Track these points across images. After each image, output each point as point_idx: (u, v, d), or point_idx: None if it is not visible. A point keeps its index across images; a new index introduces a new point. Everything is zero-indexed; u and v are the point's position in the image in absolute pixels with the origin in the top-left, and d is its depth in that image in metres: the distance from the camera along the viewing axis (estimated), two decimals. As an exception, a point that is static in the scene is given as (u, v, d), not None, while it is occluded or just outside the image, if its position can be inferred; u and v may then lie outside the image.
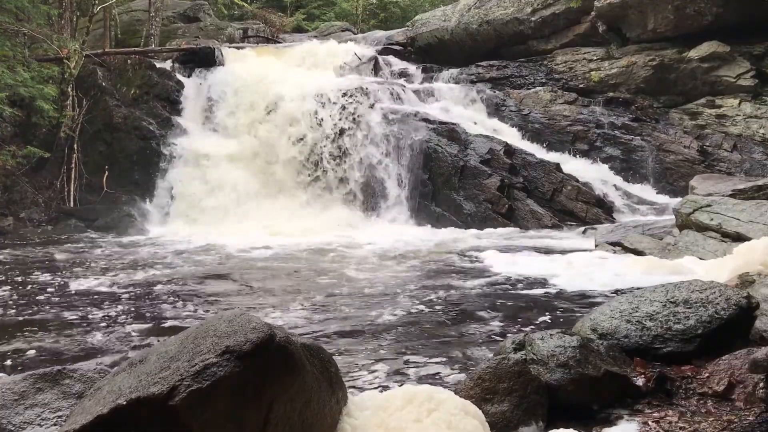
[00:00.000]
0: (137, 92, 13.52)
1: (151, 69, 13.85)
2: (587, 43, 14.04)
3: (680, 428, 2.68)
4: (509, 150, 11.67)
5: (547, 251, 7.73)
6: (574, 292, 5.86)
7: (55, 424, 2.27)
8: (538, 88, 13.66)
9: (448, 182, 11.44)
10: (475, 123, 12.72)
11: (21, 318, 5.31)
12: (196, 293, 6.29)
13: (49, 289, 6.49)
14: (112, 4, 16.44)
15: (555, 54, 14.28)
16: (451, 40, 15.92)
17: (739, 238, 6.35)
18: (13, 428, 2.23)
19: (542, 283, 6.29)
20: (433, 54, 16.25)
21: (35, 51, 14.04)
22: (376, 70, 15.31)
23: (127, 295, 6.21)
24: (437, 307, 5.44)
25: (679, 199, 8.40)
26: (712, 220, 6.86)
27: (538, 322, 4.82)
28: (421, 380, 3.57)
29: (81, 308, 5.64)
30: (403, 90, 13.40)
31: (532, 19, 14.46)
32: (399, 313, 5.26)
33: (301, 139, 12.59)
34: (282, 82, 13.48)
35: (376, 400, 2.57)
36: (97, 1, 14.43)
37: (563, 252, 7.61)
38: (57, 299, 6.04)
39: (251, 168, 12.73)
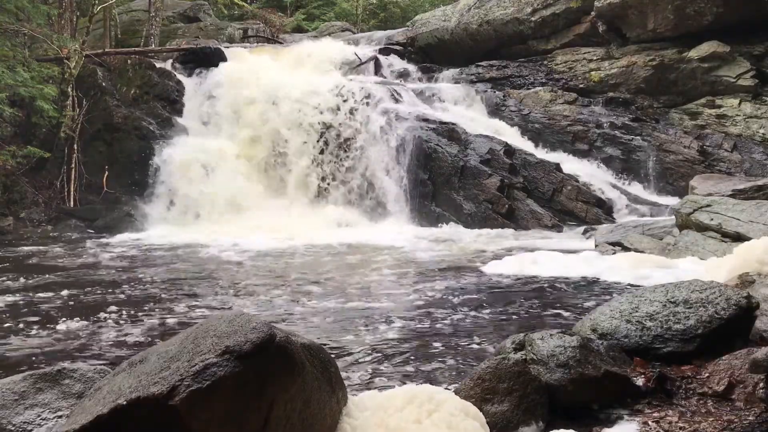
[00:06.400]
0: (137, 92, 13.51)
1: (151, 69, 13.84)
2: (587, 43, 14.04)
3: (680, 428, 2.68)
4: (509, 150, 11.67)
5: (547, 251, 7.72)
6: (571, 291, 5.86)
7: (55, 424, 2.27)
8: (538, 88, 13.66)
9: (448, 182, 11.44)
10: (476, 123, 12.71)
11: (20, 317, 5.30)
12: (196, 293, 6.29)
13: (48, 288, 6.48)
14: (112, 4, 16.43)
15: (555, 54, 14.28)
16: (451, 40, 15.92)
17: (739, 238, 6.35)
18: (13, 428, 2.23)
19: (541, 282, 6.29)
20: (433, 54, 16.25)
21: (35, 51, 14.03)
22: (377, 70, 15.31)
23: (126, 295, 6.21)
24: (437, 306, 5.44)
25: (679, 199, 8.40)
26: (712, 220, 6.86)
27: (537, 321, 4.82)
28: (421, 380, 3.57)
29: (81, 307, 5.64)
30: (404, 90, 13.40)
31: (532, 19, 14.47)
32: (399, 312, 5.26)
33: (301, 139, 12.59)
34: (282, 82, 13.47)
35: (377, 400, 2.57)
36: (97, 1, 14.43)
37: (563, 252, 7.61)
38: (57, 298, 6.04)
39: (251, 168, 12.72)
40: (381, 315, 5.21)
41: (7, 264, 8.19)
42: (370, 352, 4.21)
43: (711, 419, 2.73)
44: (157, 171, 12.51)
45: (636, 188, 11.85)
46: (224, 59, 14.37)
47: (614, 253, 7.46)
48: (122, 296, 6.18)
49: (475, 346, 4.27)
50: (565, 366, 2.93)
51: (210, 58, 14.45)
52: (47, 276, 7.26)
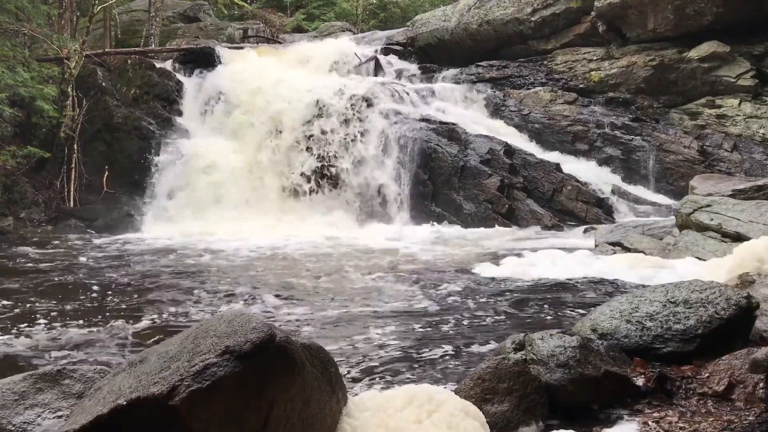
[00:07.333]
0: (137, 92, 13.52)
1: (151, 69, 13.85)
2: (587, 43, 14.04)
3: (680, 428, 2.68)
4: (509, 150, 11.67)
5: (546, 251, 7.72)
6: (571, 291, 5.86)
7: (55, 425, 2.27)
8: (538, 88, 13.66)
9: (448, 182, 11.44)
10: (476, 123, 12.72)
11: (19, 318, 5.30)
12: (195, 293, 6.28)
13: (47, 289, 6.48)
14: (112, 4, 16.43)
15: (555, 54, 14.28)
16: (451, 40, 15.91)
17: (739, 238, 6.35)
18: (13, 428, 2.23)
19: (540, 282, 6.29)
20: (433, 54, 16.24)
21: (35, 51, 14.04)
22: (377, 70, 15.30)
23: (125, 295, 6.21)
24: (436, 307, 5.44)
25: (679, 199, 8.40)
26: (712, 220, 6.86)
27: (537, 321, 4.82)
28: (421, 380, 3.57)
29: (80, 307, 5.64)
30: (404, 90, 13.40)
31: (532, 19, 14.46)
32: (398, 313, 5.26)
33: (301, 138, 12.59)
34: (281, 83, 13.47)
35: (376, 400, 2.57)
36: (97, 1, 14.42)
37: (563, 252, 7.60)
38: (55, 299, 6.04)
39: (251, 168, 12.72)
40: (380, 316, 5.21)
41: (6, 264, 8.19)
42: (369, 352, 4.21)
43: (711, 419, 2.73)
44: (157, 171, 12.52)
45: (636, 188, 11.84)
46: (219, 62, 14.35)
47: (614, 254, 7.46)
48: (121, 296, 6.18)
49: (474, 346, 4.27)
50: (565, 366, 2.93)
51: (209, 59, 14.45)
52: (46, 276, 7.27)
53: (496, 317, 5.05)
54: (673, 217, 7.77)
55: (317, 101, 12.80)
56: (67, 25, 14.93)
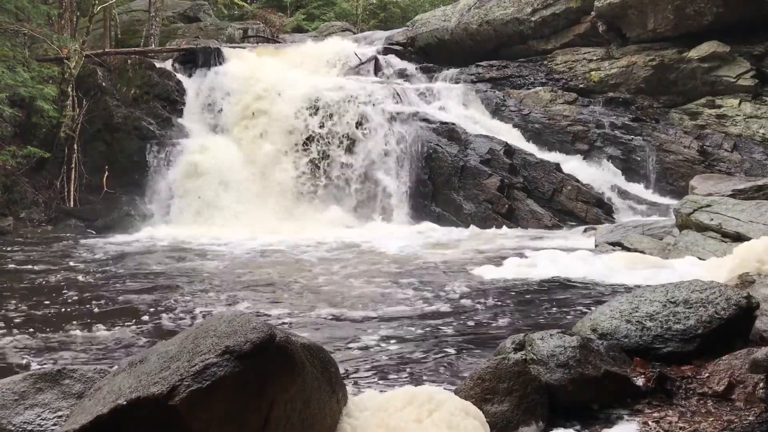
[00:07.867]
0: (137, 92, 13.51)
1: (151, 69, 13.84)
2: (587, 43, 14.04)
3: (680, 428, 2.68)
4: (509, 150, 11.67)
5: (546, 252, 7.71)
6: (571, 291, 5.86)
7: (55, 424, 2.27)
8: (538, 88, 13.66)
9: (448, 182, 11.44)
10: (476, 123, 12.72)
11: (18, 319, 5.30)
12: (193, 293, 6.28)
13: (47, 289, 6.48)
14: (112, 4, 16.43)
15: (555, 54, 14.28)
16: (451, 40, 15.92)
17: (739, 238, 6.35)
18: (13, 428, 2.23)
19: (540, 282, 6.29)
20: (433, 54, 16.25)
21: (35, 51, 14.03)
22: (377, 70, 15.30)
23: (126, 295, 6.21)
24: (436, 308, 5.44)
25: (679, 199, 8.40)
26: (712, 220, 6.86)
27: (537, 322, 4.82)
28: (421, 381, 3.57)
29: (78, 308, 5.64)
30: (404, 90, 13.39)
31: (532, 19, 14.46)
32: (398, 314, 5.26)
33: (301, 139, 12.59)
34: (282, 83, 13.47)
35: (377, 400, 2.57)
36: (97, 1, 14.43)
37: (563, 252, 7.60)
38: (54, 299, 6.03)
39: (250, 168, 12.71)
40: (379, 316, 5.21)
41: (6, 265, 8.19)
42: (369, 352, 4.21)
43: (711, 419, 2.73)
44: (157, 171, 12.52)
45: (636, 188, 11.85)
46: (222, 63, 14.36)
47: (614, 254, 7.45)
48: (121, 296, 6.18)
49: (474, 346, 4.27)
50: (565, 366, 2.93)
51: (210, 59, 14.44)
52: (42, 277, 7.26)
53: (496, 317, 5.05)
54: (673, 217, 7.77)
55: (318, 101, 12.77)
56: (67, 25, 14.92)
